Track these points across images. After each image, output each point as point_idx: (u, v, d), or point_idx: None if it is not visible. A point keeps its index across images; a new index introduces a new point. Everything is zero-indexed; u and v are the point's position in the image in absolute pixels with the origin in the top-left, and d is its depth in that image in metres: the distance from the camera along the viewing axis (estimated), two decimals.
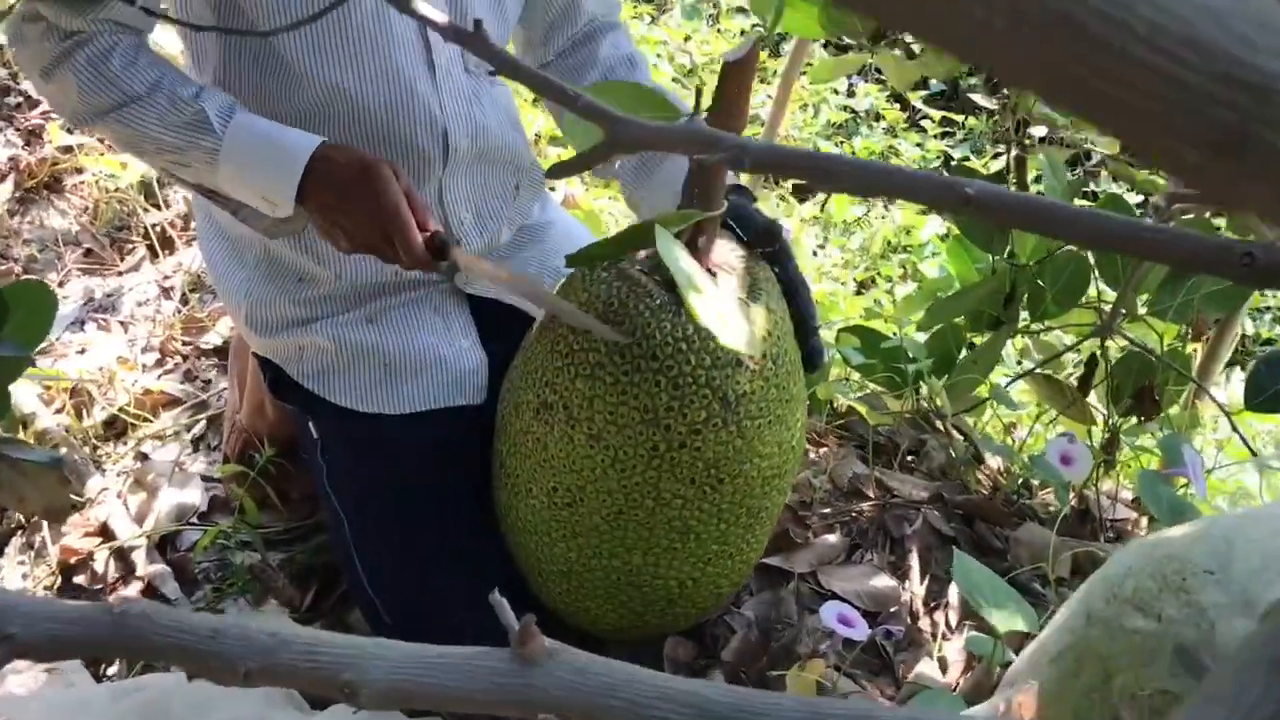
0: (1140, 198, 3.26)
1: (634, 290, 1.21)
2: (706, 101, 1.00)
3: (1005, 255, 1.73)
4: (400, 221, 1.26)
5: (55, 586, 1.74)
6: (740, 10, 4.04)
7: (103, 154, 2.51)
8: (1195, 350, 2.07)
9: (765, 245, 1.33)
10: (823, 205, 3.22)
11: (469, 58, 1.43)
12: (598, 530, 1.27)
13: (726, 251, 1.27)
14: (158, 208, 2.46)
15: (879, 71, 4.01)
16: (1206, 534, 1.00)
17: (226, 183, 1.31)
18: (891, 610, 1.56)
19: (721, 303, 1.07)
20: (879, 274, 3.19)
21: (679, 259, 1.05)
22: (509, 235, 1.55)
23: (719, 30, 3.96)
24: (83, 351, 2.12)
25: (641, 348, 1.18)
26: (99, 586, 1.70)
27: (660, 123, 0.86)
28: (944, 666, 1.50)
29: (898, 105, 3.89)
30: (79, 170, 2.52)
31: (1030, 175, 2.20)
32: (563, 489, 1.26)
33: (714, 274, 1.23)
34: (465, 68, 1.43)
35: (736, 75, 1.06)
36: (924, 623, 1.57)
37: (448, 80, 1.40)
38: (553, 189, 2.26)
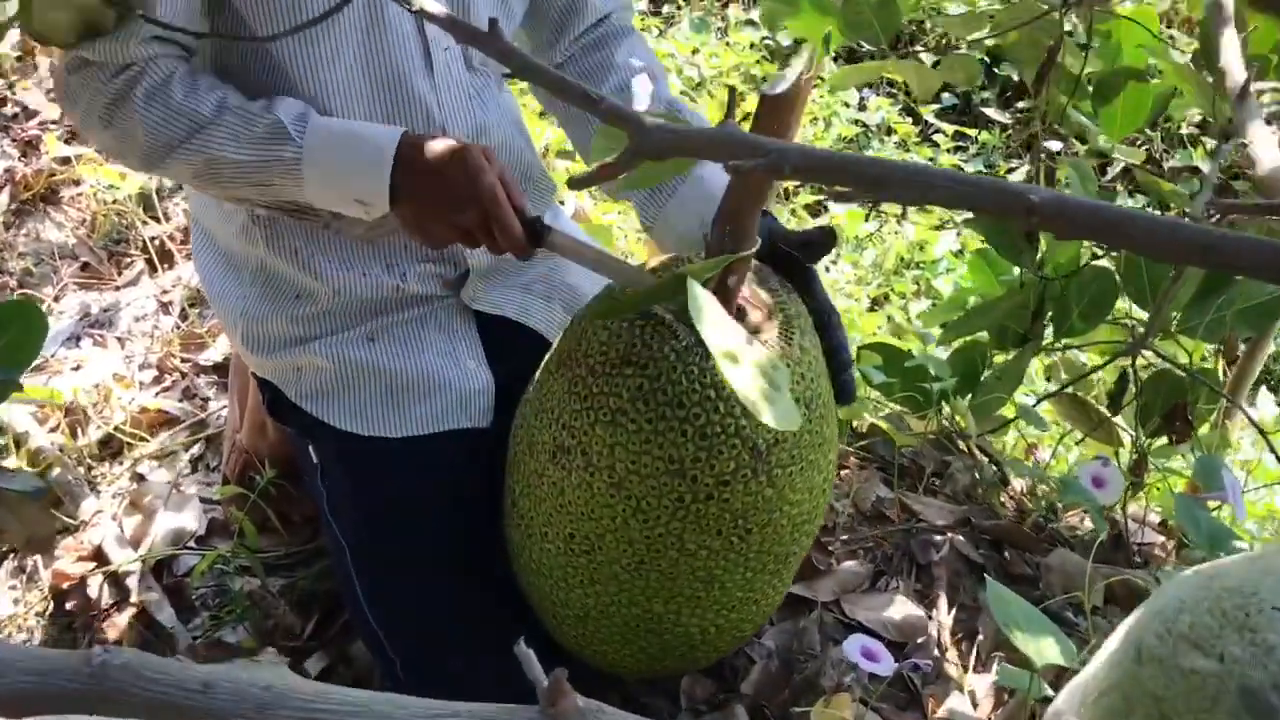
0: (1156, 212, 3.20)
1: (658, 331, 1.13)
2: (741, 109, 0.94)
3: (1033, 269, 1.67)
4: (498, 202, 1.21)
5: (47, 613, 1.68)
6: (750, 23, 3.99)
7: (100, 164, 2.46)
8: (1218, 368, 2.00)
9: (814, 258, 1.27)
10: (874, 208, 3.15)
11: (471, 54, 1.37)
12: (617, 579, 1.20)
13: (754, 282, 1.21)
14: (157, 220, 2.40)
15: (890, 84, 3.96)
16: (1272, 566, 0.94)
17: (314, 192, 1.25)
18: (918, 641, 1.50)
19: (760, 368, 0.99)
20: (892, 290, 3.12)
21: (713, 323, 0.97)
22: None
23: (728, 43, 3.90)
24: (78, 368, 2.06)
25: (666, 394, 1.11)
26: (92, 614, 1.64)
27: (687, 127, 0.79)
28: (974, 701, 1.43)
29: (909, 119, 3.83)
30: (76, 182, 2.46)
31: None
32: (580, 536, 1.19)
33: (743, 312, 1.17)
34: (466, 64, 1.38)
35: (775, 111, 0.97)
36: (952, 654, 1.50)
37: (446, 77, 1.35)
38: (562, 202, 2.20)
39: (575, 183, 0.80)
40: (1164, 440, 1.73)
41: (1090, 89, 1.64)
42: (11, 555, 1.76)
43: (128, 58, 1.20)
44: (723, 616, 1.24)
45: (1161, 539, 1.83)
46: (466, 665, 1.32)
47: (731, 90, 0.74)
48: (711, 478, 1.12)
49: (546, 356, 1.26)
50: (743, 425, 1.12)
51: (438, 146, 1.22)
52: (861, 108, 3.85)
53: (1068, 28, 1.68)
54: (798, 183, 3.01)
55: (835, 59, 3.89)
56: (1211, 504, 1.60)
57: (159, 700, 0.54)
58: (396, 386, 1.40)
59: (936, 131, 3.81)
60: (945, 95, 3.94)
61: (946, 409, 1.86)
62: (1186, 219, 1.60)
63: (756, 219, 1.08)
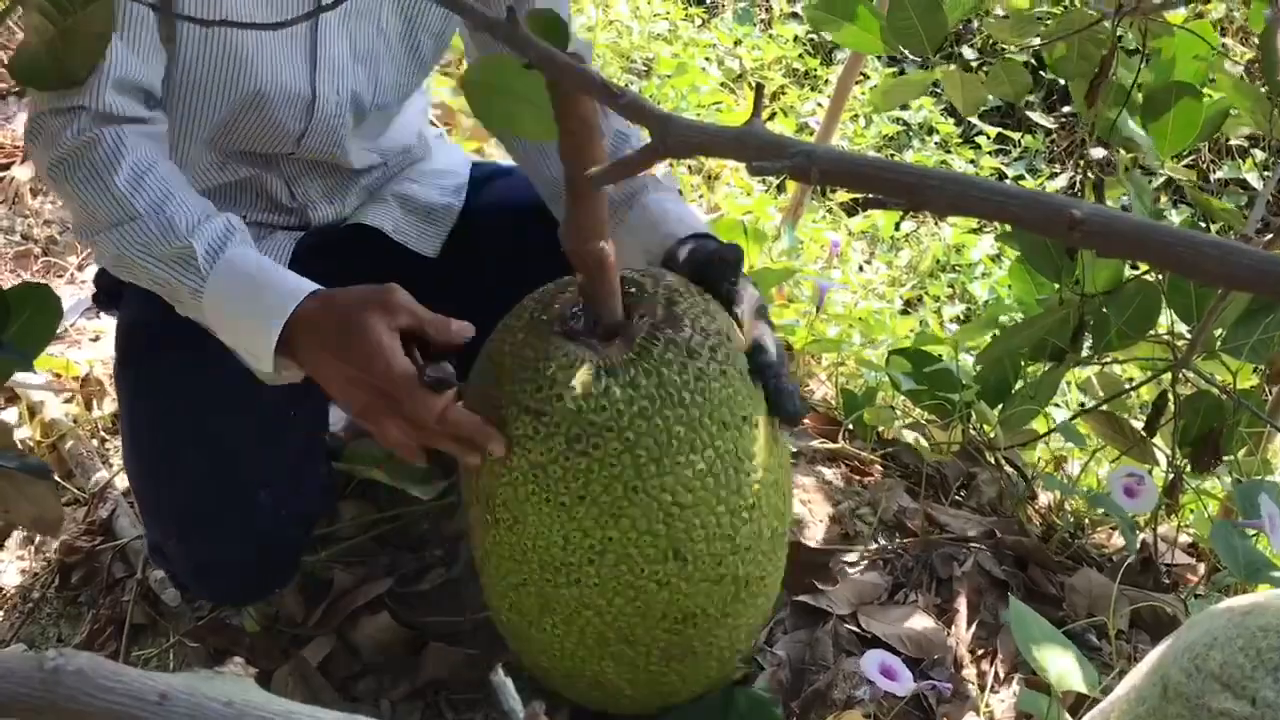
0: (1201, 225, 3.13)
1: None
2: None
3: (1072, 286, 1.61)
4: (397, 384, 1.07)
5: (54, 585, 1.66)
6: (794, 15, 3.94)
7: None
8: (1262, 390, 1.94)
9: (722, 275, 1.17)
10: (908, 212, 3.10)
11: (365, 106, 1.38)
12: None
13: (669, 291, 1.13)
14: None
15: (935, 84, 3.89)
16: None
17: (213, 327, 1.18)
18: (935, 657, 1.45)
19: None
20: (926, 293, 3.07)
21: None
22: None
23: (770, 36, 3.85)
24: (96, 339, 2.05)
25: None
26: (98, 589, 1.62)
27: (712, 125, 0.75)
28: None
29: (951, 119, 3.76)
30: None
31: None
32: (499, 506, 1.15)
33: (629, 314, 1.10)
34: (358, 111, 1.38)
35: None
36: (969, 672, 1.46)
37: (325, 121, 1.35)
38: None
39: (594, 180, 0.76)
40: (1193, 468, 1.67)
41: (1140, 102, 1.58)
42: (21, 526, 1.75)
43: (97, 105, 1.16)
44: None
45: (1192, 561, 1.77)
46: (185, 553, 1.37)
47: (759, 87, 0.70)
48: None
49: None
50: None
51: (331, 322, 1.11)
52: (904, 106, 3.79)
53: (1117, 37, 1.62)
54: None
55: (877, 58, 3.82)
56: (1249, 531, 1.54)
57: (112, 711, 0.51)
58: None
59: (979, 133, 3.75)
60: (990, 97, 3.88)
61: (975, 419, 1.81)
62: (1234, 236, 1.54)
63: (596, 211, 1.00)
